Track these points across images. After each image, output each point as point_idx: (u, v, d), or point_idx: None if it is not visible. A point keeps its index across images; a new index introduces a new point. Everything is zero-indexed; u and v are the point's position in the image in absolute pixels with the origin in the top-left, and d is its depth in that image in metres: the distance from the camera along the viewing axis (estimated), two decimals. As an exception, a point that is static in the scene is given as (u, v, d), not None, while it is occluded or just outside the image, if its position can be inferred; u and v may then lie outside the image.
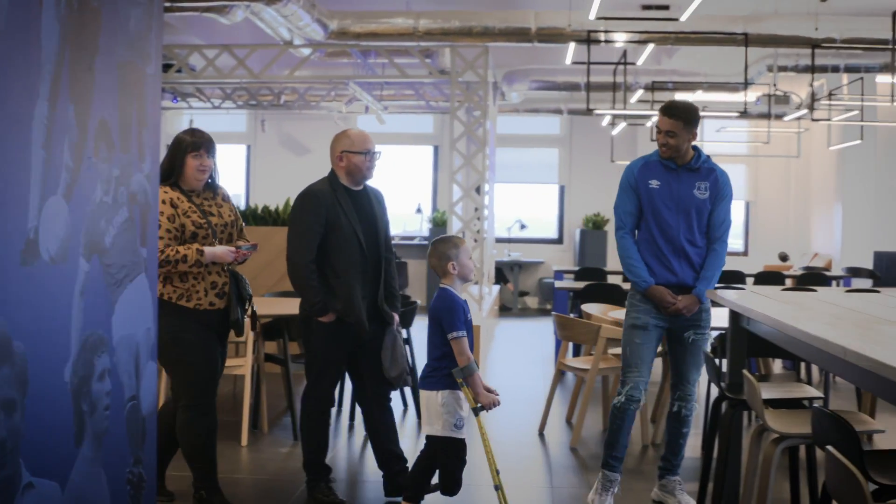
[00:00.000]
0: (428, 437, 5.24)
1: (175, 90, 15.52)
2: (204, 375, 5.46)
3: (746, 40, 10.52)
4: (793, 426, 4.16)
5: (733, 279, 12.20)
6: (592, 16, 8.35)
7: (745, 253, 18.88)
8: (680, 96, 14.76)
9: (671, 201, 5.86)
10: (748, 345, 5.15)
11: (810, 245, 17.87)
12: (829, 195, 16.70)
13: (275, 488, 6.19)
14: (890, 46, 9.85)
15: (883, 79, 12.80)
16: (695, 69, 14.09)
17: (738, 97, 14.04)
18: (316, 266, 5.64)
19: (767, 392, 5.06)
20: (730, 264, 15.98)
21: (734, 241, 19.12)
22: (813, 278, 12.19)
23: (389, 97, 15.65)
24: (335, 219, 5.63)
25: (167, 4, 9.72)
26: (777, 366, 10.57)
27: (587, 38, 10.62)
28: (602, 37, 10.86)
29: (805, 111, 13.45)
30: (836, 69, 12.81)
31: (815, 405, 3.49)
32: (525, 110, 16.56)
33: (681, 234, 5.87)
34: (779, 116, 14.93)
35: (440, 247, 5.42)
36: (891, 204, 16.48)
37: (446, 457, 5.17)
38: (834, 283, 13.05)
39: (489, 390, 5.14)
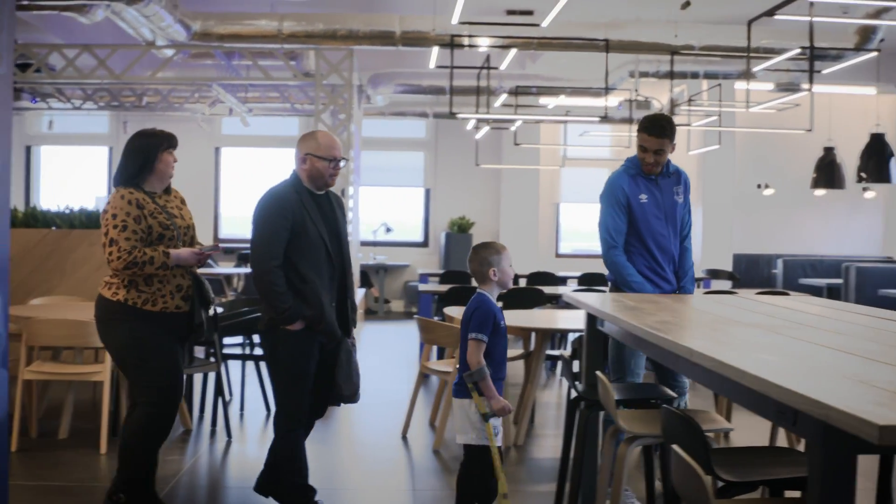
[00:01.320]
0: (465, 447, 5.14)
1: (34, 90, 15.19)
2: (169, 378, 5.33)
3: (607, 46, 10.68)
4: (645, 426, 4.23)
5: (596, 281, 12.37)
6: (455, 20, 8.38)
7: (608, 256, 19.11)
8: (544, 101, 14.93)
9: (660, 212, 6.00)
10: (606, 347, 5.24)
11: (671, 248, 18.18)
12: (694, 197, 17.02)
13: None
14: (745, 54, 10.08)
15: (742, 85, 13.11)
16: (559, 74, 14.25)
17: (601, 102, 14.24)
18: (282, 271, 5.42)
19: (625, 393, 5.14)
20: (595, 267, 16.22)
21: (597, 244, 19.34)
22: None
23: (254, 99, 15.53)
24: (301, 222, 5.40)
25: (24, 3, 9.51)
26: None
27: (450, 43, 10.67)
28: (466, 41, 10.93)
29: (665, 116, 13.68)
30: (695, 75, 13.09)
31: (664, 405, 3.55)
32: (391, 113, 16.59)
33: (671, 242, 6.05)
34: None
35: (482, 252, 5.35)
36: (749, 207, 16.89)
37: (483, 465, 5.03)
38: (697, 284, 13.32)
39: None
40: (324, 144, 5.50)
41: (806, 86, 9.89)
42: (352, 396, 5.63)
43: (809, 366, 3.01)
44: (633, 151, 17.48)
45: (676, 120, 14.54)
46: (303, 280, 5.37)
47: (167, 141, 5.39)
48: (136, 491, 5.43)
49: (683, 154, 16.90)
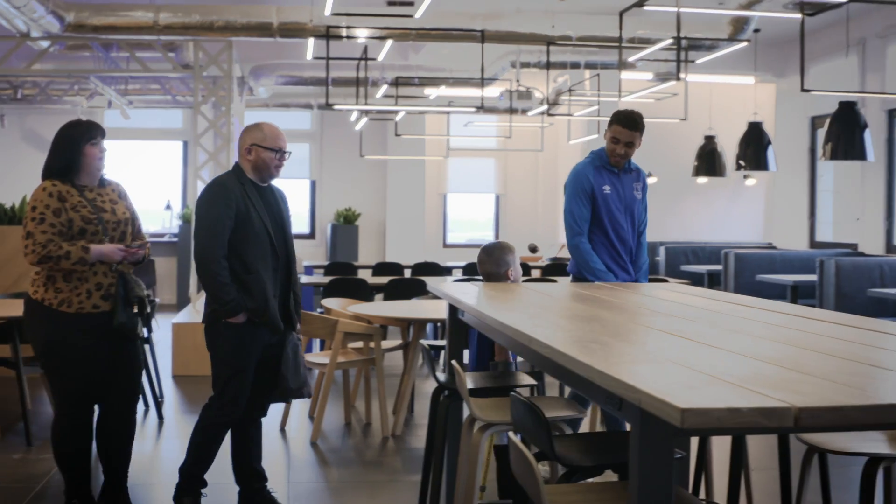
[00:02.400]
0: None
1: None
2: (79, 386, 5.19)
3: (483, 37, 10.73)
4: (499, 414, 4.28)
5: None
6: (328, 12, 8.37)
7: (495, 245, 19.23)
8: (427, 91, 14.96)
9: (621, 204, 6.28)
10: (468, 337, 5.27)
11: (558, 236, 18.36)
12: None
13: (7, 495, 6.00)
14: (618, 45, 10.21)
15: (626, 75, 13.27)
16: (442, 65, 14.29)
17: (484, 92, 14.32)
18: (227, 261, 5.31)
19: (486, 381, 5.19)
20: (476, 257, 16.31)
21: (485, 234, 19.51)
22: (558, 269, 12.53)
23: (135, 91, 15.32)
24: (245, 212, 5.30)
25: None
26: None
27: (326, 34, 10.64)
28: (343, 32, 10.90)
29: (546, 106, 13.81)
30: (576, 66, 13.20)
31: (513, 393, 3.59)
32: (275, 105, 16.49)
33: (629, 235, 6.34)
34: (523, 111, 15.27)
35: (496, 253, 5.61)
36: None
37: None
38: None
39: None
40: (269, 135, 5.42)
41: (681, 75, 10.03)
42: (299, 390, 5.58)
43: (641, 350, 3.08)
44: (516, 141, 17.52)
45: (558, 110, 14.69)
46: (247, 271, 5.29)
47: (89, 133, 5.22)
48: (82, 495, 5.35)
49: (564, 143, 17.06)
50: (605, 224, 6.23)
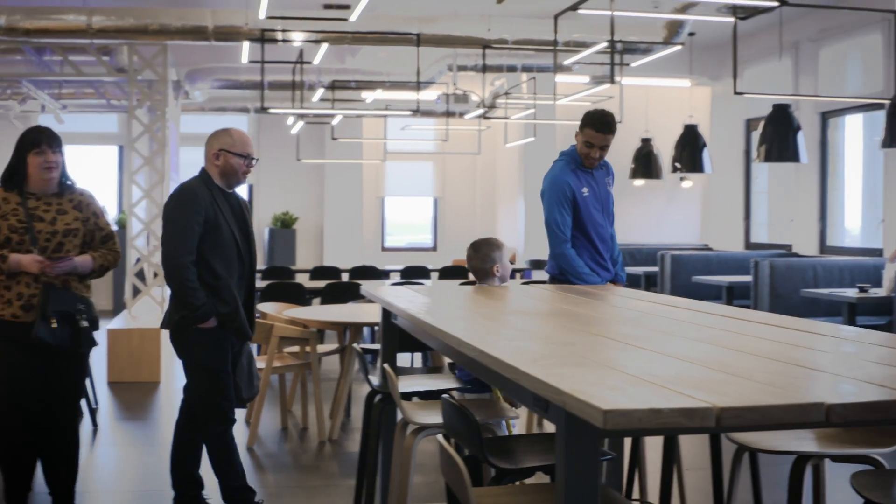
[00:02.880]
0: None
1: None
2: (2, 390, 5.12)
3: (419, 40, 10.74)
4: (433, 417, 4.28)
5: (419, 274, 12.45)
6: (263, 15, 8.33)
7: (433, 248, 19.28)
8: (364, 95, 14.94)
9: (598, 203, 6.28)
10: (406, 339, 5.24)
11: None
12: (513, 190, 17.23)
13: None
14: (553, 48, 10.25)
15: (562, 78, 13.32)
16: (378, 68, 14.27)
17: (420, 96, 14.32)
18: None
19: (422, 384, 5.18)
20: (417, 259, 16.36)
21: (423, 237, 19.53)
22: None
23: (69, 96, 15.15)
24: (214, 218, 5.25)
25: None
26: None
27: (261, 37, 10.60)
28: (279, 36, 10.86)
29: (483, 110, 13.83)
30: (512, 69, 13.23)
31: (444, 396, 3.59)
32: (210, 109, 16.36)
33: (607, 231, 6.35)
34: (461, 114, 15.30)
35: (483, 249, 5.62)
36: (569, 198, 17.14)
37: None
38: (517, 275, 13.50)
39: None
40: (238, 140, 5.39)
41: (617, 78, 10.09)
42: (251, 399, 5.60)
43: (569, 352, 3.08)
44: (453, 144, 17.48)
45: (494, 113, 14.72)
46: (215, 277, 5.26)
47: (34, 141, 5.14)
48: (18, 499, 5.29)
49: (501, 146, 17.10)
50: (586, 227, 6.22)
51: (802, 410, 2.20)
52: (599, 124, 6.12)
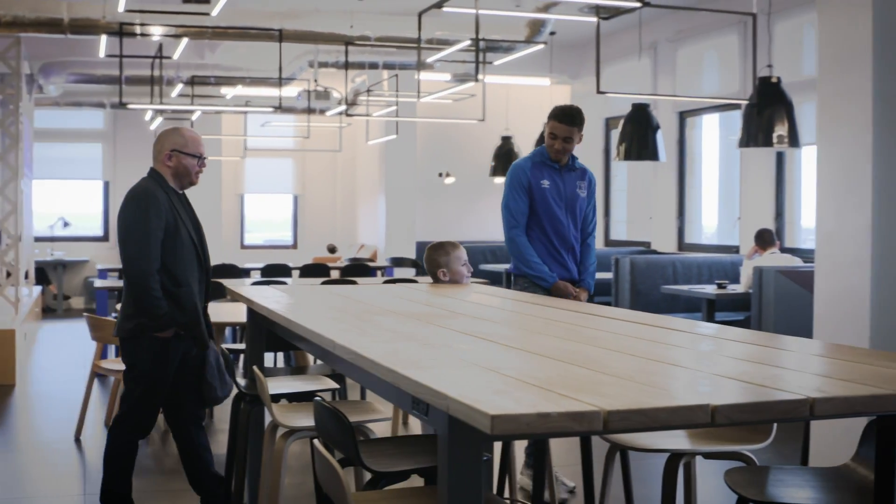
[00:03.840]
0: None
1: None
2: None
3: (281, 36, 10.62)
4: (303, 420, 4.21)
5: (280, 272, 12.30)
6: (121, 8, 8.15)
7: (293, 246, 19.13)
8: (224, 91, 14.74)
9: (561, 200, 6.13)
10: (272, 340, 5.15)
11: (357, 236, 18.34)
12: (374, 187, 17.18)
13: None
14: (416, 45, 10.23)
15: (425, 76, 13.31)
16: (239, 64, 14.07)
17: (281, 92, 14.18)
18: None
19: (291, 386, 5.11)
20: (277, 257, 16.19)
21: (283, 234, 19.36)
22: (357, 269, 12.48)
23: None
24: (174, 223, 5.07)
25: None
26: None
27: (119, 31, 10.36)
28: (137, 30, 10.63)
29: (345, 107, 13.75)
30: (374, 66, 13.18)
31: (316, 398, 3.53)
32: (66, 104, 15.93)
33: (570, 232, 6.17)
34: (322, 111, 15.18)
35: (431, 254, 5.62)
36: (431, 195, 17.18)
37: None
38: (378, 272, 13.45)
39: None
40: (190, 140, 5.22)
41: (479, 76, 10.11)
42: (225, 397, 5.37)
43: (446, 354, 3.05)
44: (314, 141, 17.37)
45: (356, 110, 14.64)
46: (176, 284, 5.09)
47: None
48: None
49: (362, 144, 17.03)
50: (542, 219, 6.11)
51: (690, 412, 2.20)
52: (562, 116, 6.06)
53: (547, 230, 6.12)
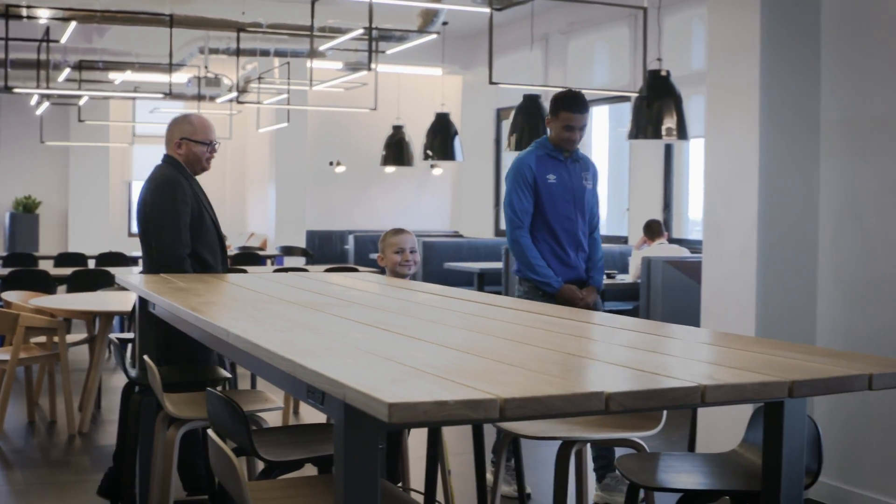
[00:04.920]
0: None
1: None
2: None
3: (171, 21, 10.48)
4: (195, 410, 4.17)
5: (168, 261, 12.14)
6: (6, -10, 7.98)
7: (183, 234, 18.91)
8: (112, 76, 14.50)
9: (569, 195, 5.77)
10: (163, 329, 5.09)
11: (247, 225, 18.21)
12: (264, 176, 17.07)
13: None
14: (309, 33, 10.18)
15: (317, 64, 13.23)
16: (128, 49, 13.85)
17: (171, 78, 13.99)
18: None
19: (179, 376, 5.06)
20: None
21: (173, 222, 19.10)
22: (247, 258, 12.41)
23: None
24: (197, 207, 5.16)
25: None
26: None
27: (5, 13, 10.14)
28: (24, 12, 10.42)
29: (236, 94, 13.63)
30: (266, 53, 13.08)
31: (209, 388, 3.50)
32: (-53, 87, 15.58)
33: (578, 228, 5.82)
34: (212, 98, 15.03)
35: (380, 241, 5.32)
36: (322, 184, 17.12)
37: None
38: (268, 261, 13.38)
39: None
40: (199, 128, 5.28)
41: (372, 65, 10.09)
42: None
43: (342, 343, 3.05)
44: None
45: (247, 98, 14.53)
46: (205, 266, 5.17)
47: None
48: None
49: (253, 132, 16.91)
50: (549, 218, 5.75)
51: (584, 400, 2.23)
52: (576, 105, 5.72)
53: (554, 229, 5.78)
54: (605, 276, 6.05)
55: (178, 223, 5.14)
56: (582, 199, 5.85)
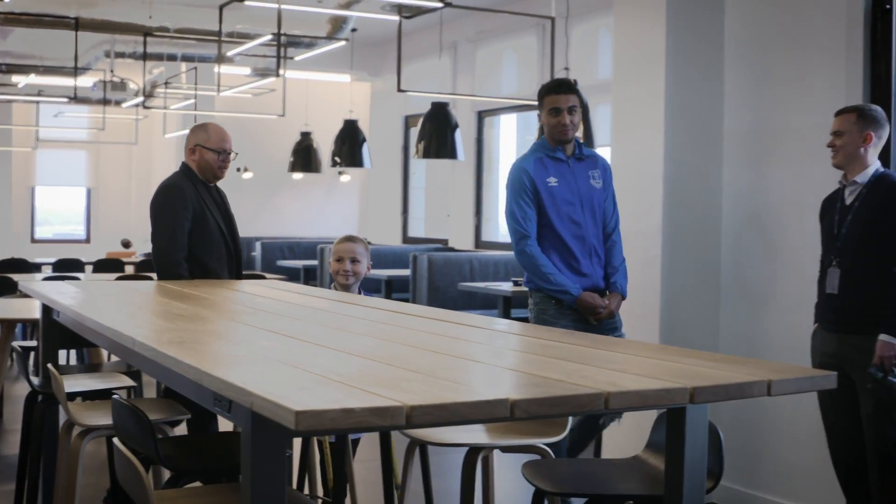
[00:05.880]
0: None
1: None
2: None
3: (77, 25, 10.36)
4: (101, 418, 4.13)
5: (72, 267, 12.02)
6: None
7: (86, 240, 18.70)
8: (15, 79, 14.30)
9: (574, 197, 5.35)
10: (68, 337, 5.03)
11: (154, 231, 18.00)
12: (171, 182, 16.90)
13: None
14: (217, 38, 10.12)
15: (224, 69, 13.15)
16: (32, 52, 13.65)
17: (77, 82, 13.82)
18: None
19: (87, 384, 5.01)
20: (69, 252, 15.78)
21: (76, 228, 18.89)
22: (153, 265, 12.27)
23: None
24: (201, 212, 5.22)
25: None
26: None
27: None
28: (-77, 14, 10.23)
29: (142, 98, 13.50)
30: (173, 58, 12.97)
31: (115, 396, 3.47)
32: None
33: (590, 232, 5.39)
34: (118, 103, 14.87)
35: None
36: (229, 191, 16.94)
37: None
38: (175, 268, 13.23)
39: None
40: (213, 136, 5.36)
41: (280, 71, 10.06)
42: None
43: (249, 351, 3.04)
44: (109, 133, 16.86)
45: (153, 102, 14.39)
46: (207, 272, 5.23)
47: None
48: None
49: (159, 137, 16.75)
50: (554, 224, 5.33)
51: (490, 407, 2.25)
52: (557, 87, 5.37)
53: (562, 236, 5.35)
54: (627, 281, 5.53)
55: (174, 228, 5.25)
56: (590, 200, 5.43)
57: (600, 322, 5.34)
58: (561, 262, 5.33)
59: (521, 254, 5.34)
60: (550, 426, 3.75)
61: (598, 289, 5.41)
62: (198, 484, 3.39)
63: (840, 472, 4.94)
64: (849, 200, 4.80)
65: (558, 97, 5.32)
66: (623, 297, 5.45)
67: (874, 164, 4.77)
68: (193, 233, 5.31)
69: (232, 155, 5.53)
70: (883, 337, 4.57)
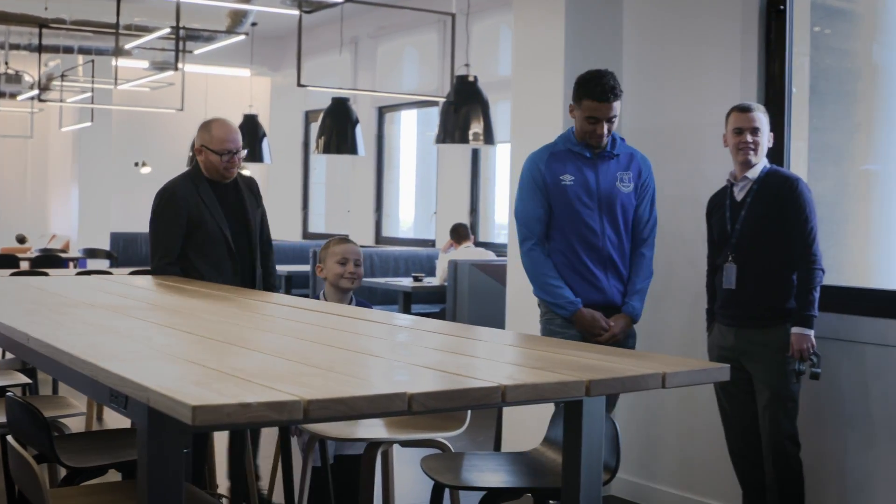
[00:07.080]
0: None
1: None
2: None
3: (-31, 16, 10.16)
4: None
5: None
6: None
7: (-20, 236, 18.38)
8: None
9: (591, 199, 4.76)
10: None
11: (49, 226, 17.73)
12: (67, 176, 16.66)
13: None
14: (115, 31, 9.99)
15: (122, 62, 12.98)
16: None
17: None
18: (180, 268, 5.06)
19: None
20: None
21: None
22: (49, 260, 12.08)
23: None
24: (198, 216, 5.05)
25: None
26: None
27: None
28: None
29: (37, 91, 13.29)
30: (69, 50, 12.79)
31: (9, 394, 3.42)
32: None
33: (606, 241, 4.78)
34: (12, 95, 14.62)
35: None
36: (127, 185, 16.79)
37: None
38: (71, 264, 13.06)
39: None
40: (216, 137, 5.17)
41: (179, 65, 9.97)
42: None
43: (145, 347, 3.02)
44: (3, 126, 16.59)
45: (49, 95, 14.17)
46: (200, 277, 5.06)
47: None
48: None
49: (55, 130, 16.50)
50: (565, 227, 4.78)
51: (387, 400, 2.26)
52: (600, 93, 4.67)
53: (571, 240, 4.79)
54: (643, 303, 4.92)
55: (163, 231, 5.16)
56: (612, 204, 4.81)
57: (605, 344, 4.50)
58: (571, 271, 4.79)
59: (524, 257, 4.88)
60: (449, 420, 3.77)
61: (614, 306, 4.85)
62: (95, 481, 3.35)
63: (736, 463, 5.03)
64: (739, 197, 4.86)
65: (600, 106, 4.70)
66: (633, 321, 4.88)
67: (763, 161, 4.86)
68: (190, 237, 5.17)
69: (242, 153, 5.25)
70: (795, 329, 4.63)
